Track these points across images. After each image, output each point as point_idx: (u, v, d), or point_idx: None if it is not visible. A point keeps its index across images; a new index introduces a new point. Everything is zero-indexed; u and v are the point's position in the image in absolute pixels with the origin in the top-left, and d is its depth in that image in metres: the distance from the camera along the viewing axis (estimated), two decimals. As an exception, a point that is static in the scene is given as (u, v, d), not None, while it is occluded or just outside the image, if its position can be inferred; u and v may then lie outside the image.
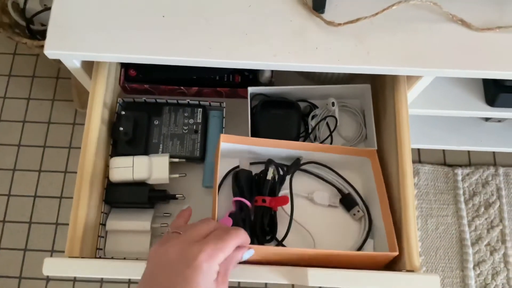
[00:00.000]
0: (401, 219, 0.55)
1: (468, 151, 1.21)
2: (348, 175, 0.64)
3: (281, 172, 0.62)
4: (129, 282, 1.09)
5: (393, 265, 0.56)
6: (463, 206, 1.17)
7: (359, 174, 0.65)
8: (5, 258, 1.10)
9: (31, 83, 1.24)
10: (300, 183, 0.64)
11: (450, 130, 0.99)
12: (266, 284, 1.05)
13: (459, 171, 1.19)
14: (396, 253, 0.53)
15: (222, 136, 0.59)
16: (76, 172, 1.26)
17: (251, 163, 0.64)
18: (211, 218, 0.50)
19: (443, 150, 1.20)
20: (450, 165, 1.20)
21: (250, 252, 0.49)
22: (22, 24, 1.05)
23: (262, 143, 0.61)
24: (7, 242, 1.11)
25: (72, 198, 1.24)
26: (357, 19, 0.55)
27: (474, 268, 1.13)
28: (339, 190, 0.64)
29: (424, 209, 1.17)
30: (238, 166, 0.63)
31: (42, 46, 0.97)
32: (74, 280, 1.08)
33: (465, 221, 1.16)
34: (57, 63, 1.10)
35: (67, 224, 1.12)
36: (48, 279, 1.08)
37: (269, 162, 0.61)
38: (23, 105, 1.22)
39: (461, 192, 1.18)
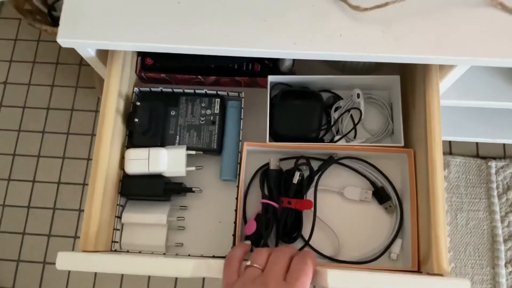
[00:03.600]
0: (430, 219, 0.52)
1: (503, 143, 1.14)
2: (384, 167, 0.61)
3: (314, 168, 0.60)
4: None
5: (421, 266, 0.53)
6: (496, 200, 1.11)
7: (397, 166, 0.61)
8: (30, 243, 1.12)
9: (54, 69, 1.25)
10: (332, 176, 0.61)
11: (484, 121, 0.93)
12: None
13: (493, 163, 1.13)
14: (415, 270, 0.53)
15: (246, 143, 0.59)
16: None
17: (282, 159, 0.62)
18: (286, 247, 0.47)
19: (476, 142, 1.14)
20: (483, 157, 1.13)
21: None
22: (44, 10, 1.04)
23: (289, 147, 0.60)
24: (32, 228, 1.13)
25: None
26: (386, 3, 0.51)
27: (506, 266, 1.07)
28: (373, 184, 0.61)
29: (454, 203, 1.12)
30: (267, 164, 0.61)
31: (63, 33, 0.98)
32: (97, 266, 1.09)
33: (497, 217, 1.10)
34: (79, 50, 1.09)
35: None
36: (71, 264, 1.10)
37: (299, 159, 0.60)
38: (47, 92, 1.23)
39: (494, 186, 1.12)
